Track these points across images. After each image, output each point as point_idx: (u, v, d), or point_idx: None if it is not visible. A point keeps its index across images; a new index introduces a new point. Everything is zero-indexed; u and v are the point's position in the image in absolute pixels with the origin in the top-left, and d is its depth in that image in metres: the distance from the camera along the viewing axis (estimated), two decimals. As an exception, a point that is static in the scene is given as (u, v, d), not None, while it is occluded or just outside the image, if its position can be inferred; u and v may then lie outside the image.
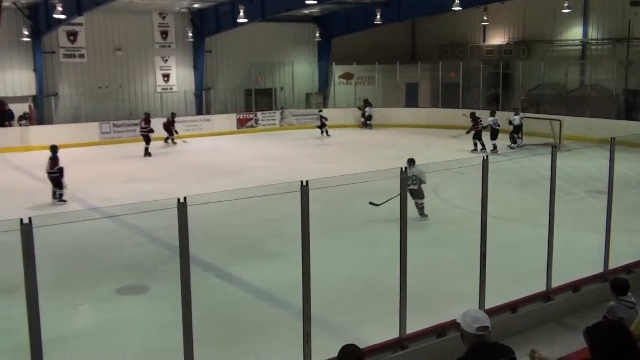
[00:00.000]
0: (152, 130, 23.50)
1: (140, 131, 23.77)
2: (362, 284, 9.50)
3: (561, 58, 28.87)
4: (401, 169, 6.51)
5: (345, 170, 16.86)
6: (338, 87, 33.68)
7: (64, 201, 15.28)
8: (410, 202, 11.69)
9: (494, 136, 22.33)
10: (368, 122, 30.63)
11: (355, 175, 11.51)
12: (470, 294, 7.34)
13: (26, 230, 4.63)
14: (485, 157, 7.09)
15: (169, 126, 26.01)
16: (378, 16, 28.17)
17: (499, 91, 29.83)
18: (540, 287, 7.89)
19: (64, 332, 7.64)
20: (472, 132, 22.49)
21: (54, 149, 16.11)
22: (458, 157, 21.14)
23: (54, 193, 15.41)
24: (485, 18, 31.27)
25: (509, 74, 30.44)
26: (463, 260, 9.74)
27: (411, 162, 13.23)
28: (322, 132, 27.87)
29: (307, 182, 5.71)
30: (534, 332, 7.40)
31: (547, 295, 7.85)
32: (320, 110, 29.01)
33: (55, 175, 15.40)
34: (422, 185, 13.02)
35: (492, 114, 22.76)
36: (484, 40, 33.25)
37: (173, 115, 26.46)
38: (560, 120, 22.68)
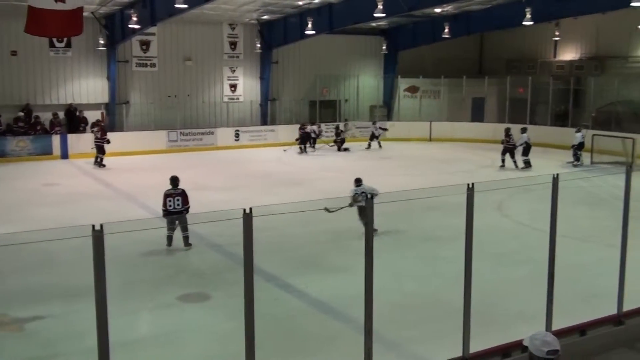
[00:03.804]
0: (108, 141, 23.17)
1: (95, 141, 23.34)
2: (426, 300, 9.37)
3: (636, 75, 27.94)
4: (467, 185, 6.39)
5: (410, 184, 16.75)
6: (403, 100, 33.52)
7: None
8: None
9: (526, 152, 22.03)
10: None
11: (421, 190, 11.39)
12: (536, 314, 7.14)
13: (98, 236, 4.73)
14: (555, 175, 6.90)
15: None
16: (446, 30, 27.96)
17: (568, 108, 29.13)
18: (611, 310, 7.60)
19: (128, 336, 7.79)
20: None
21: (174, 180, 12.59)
22: (524, 174, 20.71)
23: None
24: (556, 33, 30.61)
25: (580, 91, 29.68)
26: (529, 279, 9.51)
27: (358, 181, 13.21)
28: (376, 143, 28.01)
29: (372, 196, 5.67)
30: (604, 356, 7.13)
31: (618, 319, 7.55)
32: (374, 122, 28.91)
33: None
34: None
35: (524, 131, 22.48)
36: (555, 56, 32.50)
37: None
38: (633, 139, 21.93)
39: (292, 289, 9.73)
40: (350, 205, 12.54)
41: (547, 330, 6.69)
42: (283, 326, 8.37)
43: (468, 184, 6.37)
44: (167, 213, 12.18)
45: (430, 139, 30.85)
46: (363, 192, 12.76)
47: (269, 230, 11.19)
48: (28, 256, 11.15)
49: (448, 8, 27.08)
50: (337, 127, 28.74)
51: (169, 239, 12.06)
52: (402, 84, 33.39)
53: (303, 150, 26.97)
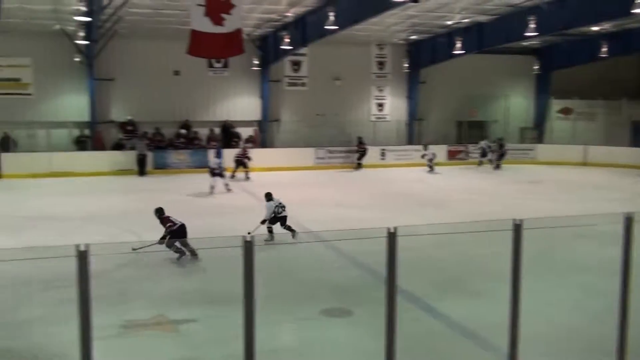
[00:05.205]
0: (249, 158, 24.22)
1: (236, 157, 24.43)
2: (575, 333, 8.88)
3: None
4: (625, 214, 6.03)
5: (559, 210, 16.04)
6: (556, 122, 32.21)
7: None
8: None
9: None
10: (359, 162, 28.33)
11: (572, 217, 10.84)
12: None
13: (248, 247, 4.97)
14: None
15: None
16: (604, 49, 26.61)
17: None
18: None
19: (272, 346, 8.02)
20: None
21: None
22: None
23: None
24: None
25: None
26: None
27: (269, 195, 13.89)
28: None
29: (520, 221, 5.51)
30: None
31: None
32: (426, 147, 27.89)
33: None
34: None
35: None
36: None
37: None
38: None
39: (435, 312, 9.61)
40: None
41: None
42: (423, 347, 8.27)
43: (626, 213, 6.01)
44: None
45: (585, 164, 29.36)
46: (280, 203, 13.71)
47: (408, 250, 11.11)
48: (181, 262, 11.89)
49: (606, 26, 25.76)
50: (492, 146, 28.49)
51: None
52: (555, 105, 32.12)
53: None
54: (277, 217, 13.69)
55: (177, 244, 11.90)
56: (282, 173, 25.58)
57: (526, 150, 30.61)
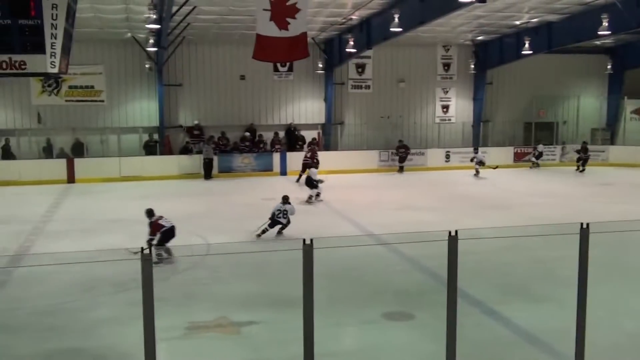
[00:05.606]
0: (318, 162, 23.60)
1: (304, 160, 24.11)
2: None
3: None
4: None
5: (633, 214, 15.52)
6: (629, 123, 31.10)
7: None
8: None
9: None
10: (401, 164, 27.66)
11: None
12: None
13: (307, 250, 5.00)
14: None
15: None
16: (682, 46, 25.57)
17: None
18: None
19: (332, 349, 8.03)
20: None
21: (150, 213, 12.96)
22: None
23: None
24: None
25: None
26: None
27: (286, 199, 14.56)
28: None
29: (587, 224, 5.35)
30: None
31: None
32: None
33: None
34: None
35: None
36: None
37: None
38: None
39: (497, 316, 9.42)
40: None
41: None
42: (486, 352, 8.12)
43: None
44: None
45: (660, 166, 28.27)
46: (285, 210, 14.21)
47: (472, 254, 10.93)
48: (244, 265, 12.02)
49: (684, 23, 24.70)
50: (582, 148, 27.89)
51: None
52: (629, 105, 31.03)
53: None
54: (275, 220, 14.31)
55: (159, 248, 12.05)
56: (345, 176, 25.58)
57: (597, 152, 29.64)
